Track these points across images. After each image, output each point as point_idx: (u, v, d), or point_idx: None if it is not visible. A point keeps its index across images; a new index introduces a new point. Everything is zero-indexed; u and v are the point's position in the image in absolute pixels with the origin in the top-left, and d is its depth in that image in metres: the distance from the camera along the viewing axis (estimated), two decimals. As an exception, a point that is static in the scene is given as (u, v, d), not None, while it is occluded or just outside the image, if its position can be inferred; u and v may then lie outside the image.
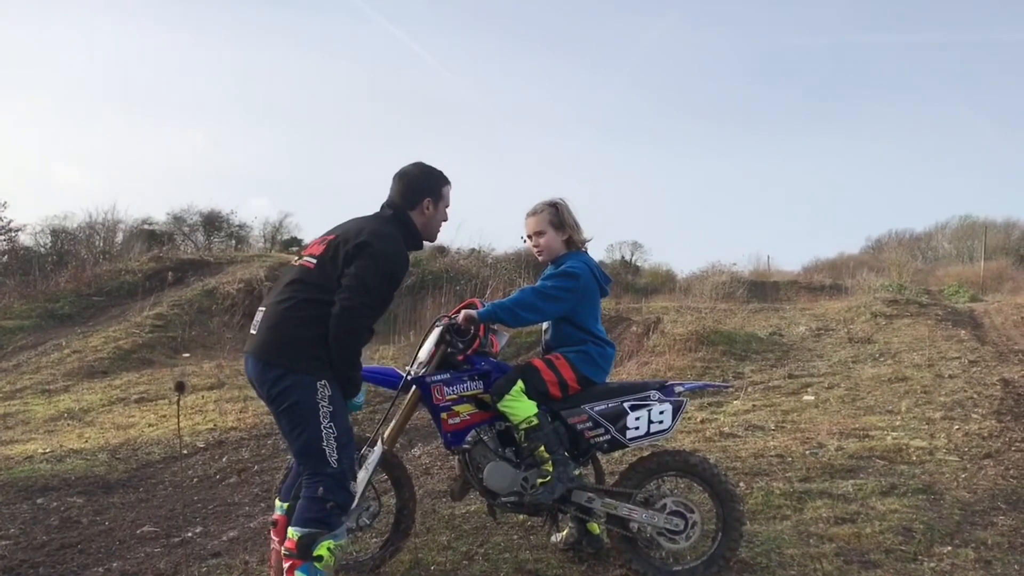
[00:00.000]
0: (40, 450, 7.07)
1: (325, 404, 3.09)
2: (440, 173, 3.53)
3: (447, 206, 3.54)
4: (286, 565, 3.07)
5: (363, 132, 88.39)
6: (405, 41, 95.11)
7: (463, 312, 3.66)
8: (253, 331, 3.25)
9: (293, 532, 3.07)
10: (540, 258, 3.92)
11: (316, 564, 3.02)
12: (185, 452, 6.80)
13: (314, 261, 3.23)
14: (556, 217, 3.81)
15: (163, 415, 8.60)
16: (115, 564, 4.27)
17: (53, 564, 4.35)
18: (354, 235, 3.20)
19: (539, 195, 3.87)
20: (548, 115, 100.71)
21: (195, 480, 6.15)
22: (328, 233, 3.36)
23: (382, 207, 3.46)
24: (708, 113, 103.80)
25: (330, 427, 3.08)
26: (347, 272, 3.12)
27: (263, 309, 3.26)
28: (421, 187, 3.43)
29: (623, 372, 10.69)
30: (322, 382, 3.10)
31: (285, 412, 3.10)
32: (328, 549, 3.04)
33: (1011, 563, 3.76)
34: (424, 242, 3.53)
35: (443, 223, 3.56)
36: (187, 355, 13.16)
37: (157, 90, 74.52)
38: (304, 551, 3.02)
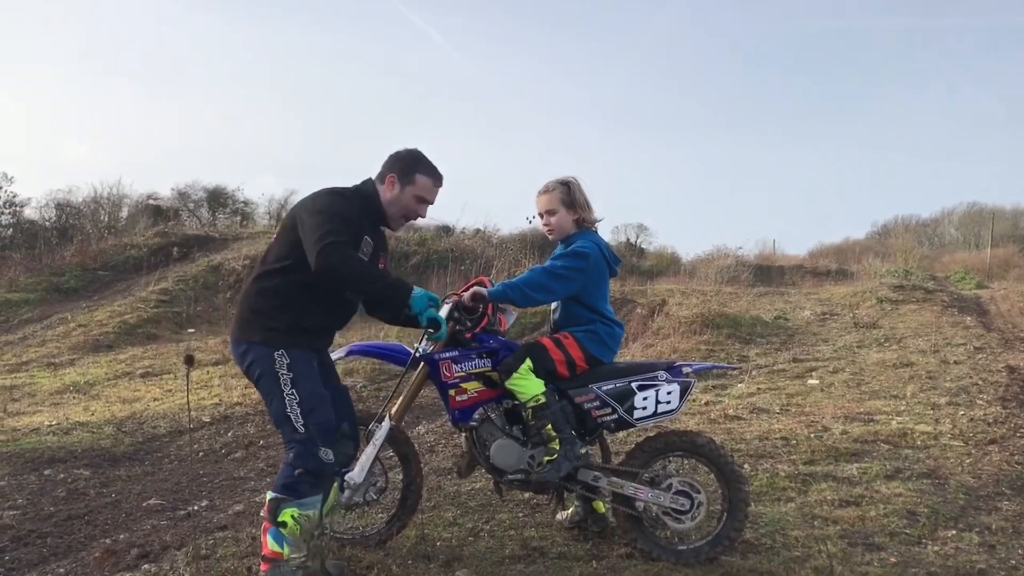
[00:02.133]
0: (46, 422, 7.10)
1: (284, 372, 3.14)
2: (425, 162, 3.48)
3: (418, 197, 3.46)
4: (262, 527, 3.13)
5: (372, 111, 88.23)
6: (416, 21, 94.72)
7: (471, 290, 3.65)
8: None
9: (268, 494, 3.14)
10: (550, 237, 3.90)
11: (281, 530, 3.04)
12: (191, 426, 6.82)
13: (274, 236, 3.34)
14: (568, 196, 3.79)
15: (168, 389, 8.64)
16: (122, 536, 4.29)
17: (60, 534, 4.38)
18: (305, 205, 3.25)
19: (545, 176, 3.86)
20: (557, 97, 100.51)
21: (200, 454, 6.17)
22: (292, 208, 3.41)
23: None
24: (716, 97, 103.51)
25: (292, 394, 3.13)
26: (303, 233, 3.13)
27: None
28: (395, 165, 3.45)
29: (627, 354, 10.69)
30: (278, 352, 3.15)
31: (257, 385, 3.23)
32: (292, 517, 3.05)
33: (1015, 548, 3.76)
34: (388, 223, 3.51)
35: (408, 212, 3.49)
36: (192, 330, 13.20)
37: (167, 66, 74.45)
38: (272, 515, 3.08)
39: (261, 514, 3.15)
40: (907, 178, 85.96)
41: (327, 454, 3.19)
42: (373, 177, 3.48)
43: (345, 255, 3.07)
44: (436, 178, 3.50)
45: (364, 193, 3.39)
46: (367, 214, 3.37)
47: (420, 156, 3.50)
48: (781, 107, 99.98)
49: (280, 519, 3.05)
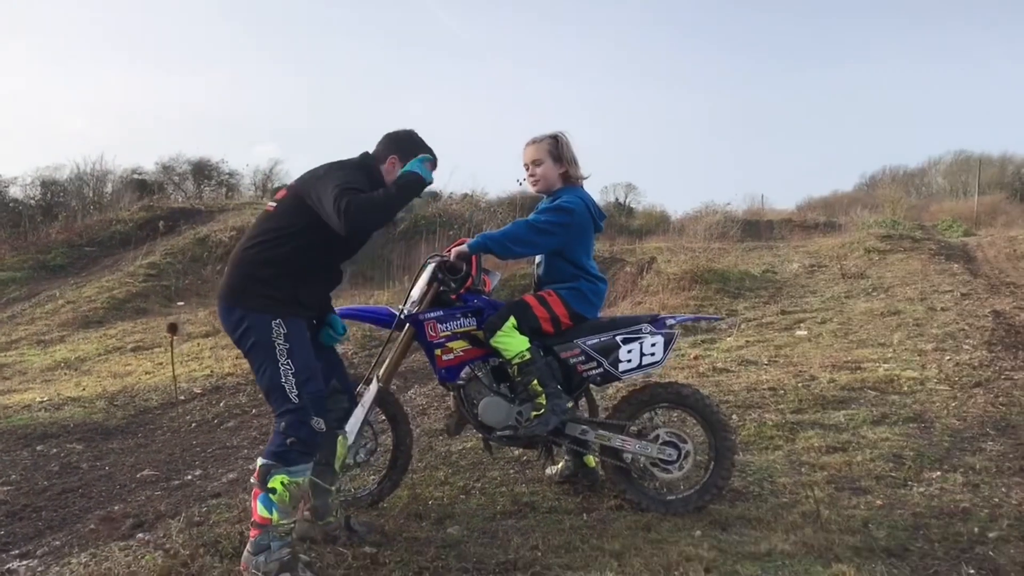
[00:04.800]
0: (38, 399, 7.10)
1: (280, 342, 3.12)
2: (423, 144, 3.46)
3: None
4: (252, 493, 3.15)
5: (356, 71, 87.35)
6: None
7: (454, 250, 3.64)
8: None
9: (258, 460, 3.15)
10: (535, 188, 3.88)
11: (271, 496, 3.07)
12: (182, 398, 6.83)
13: (275, 205, 3.28)
14: (556, 149, 3.77)
15: (159, 363, 8.63)
16: (117, 507, 4.31)
17: (55, 508, 4.40)
18: (311, 174, 3.25)
19: (532, 134, 3.84)
20: (543, 55, 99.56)
21: (193, 425, 6.19)
22: (294, 181, 3.37)
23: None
24: (700, 48, 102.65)
25: (287, 364, 3.12)
26: (315, 200, 3.13)
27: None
28: (395, 146, 3.42)
29: (616, 311, 10.72)
30: (277, 320, 3.13)
31: (248, 353, 3.18)
32: (281, 483, 3.07)
33: (998, 486, 3.83)
34: None
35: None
36: (181, 303, 13.17)
37: (164, 38, 73.33)
38: (261, 480, 3.10)
39: (251, 480, 3.17)
40: (894, 128, 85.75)
41: (319, 423, 3.20)
42: (370, 152, 3.44)
43: (364, 201, 3.05)
44: (434, 160, 3.49)
45: (367, 167, 3.36)
46: (373, 187, 3.31)
47: (419, 139, 3.48)
48: (765, 58, 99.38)
49: (270, 485, 3.07)
